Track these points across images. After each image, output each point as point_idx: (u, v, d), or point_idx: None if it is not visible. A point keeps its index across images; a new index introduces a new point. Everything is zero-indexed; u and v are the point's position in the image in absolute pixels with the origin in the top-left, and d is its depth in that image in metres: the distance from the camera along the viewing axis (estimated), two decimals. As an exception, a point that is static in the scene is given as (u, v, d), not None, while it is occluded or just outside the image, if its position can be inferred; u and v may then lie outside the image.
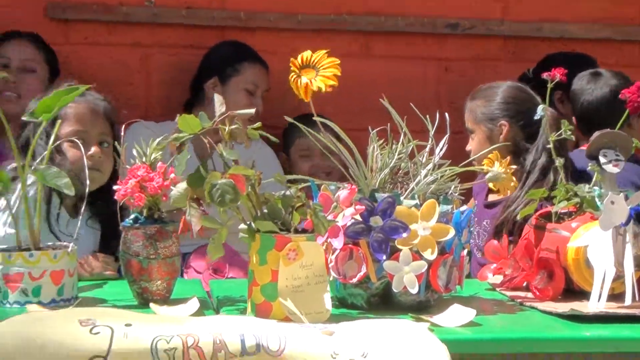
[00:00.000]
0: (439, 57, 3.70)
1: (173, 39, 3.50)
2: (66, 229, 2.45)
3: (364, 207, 1.79)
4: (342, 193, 1.78)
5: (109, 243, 2.44)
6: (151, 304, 1.83)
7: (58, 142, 2.26)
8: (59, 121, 2.03)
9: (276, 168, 3.34)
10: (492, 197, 2.97)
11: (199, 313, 1.79)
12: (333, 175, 3.22)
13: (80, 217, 2.09)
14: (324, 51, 1.89)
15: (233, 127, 1.73)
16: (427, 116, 2.02)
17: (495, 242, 2.22)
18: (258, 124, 1.77)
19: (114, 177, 1.99)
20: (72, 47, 3.36)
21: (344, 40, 3.59)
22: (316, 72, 1.86)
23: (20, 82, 3.16)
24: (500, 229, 2.81)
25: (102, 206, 2.41)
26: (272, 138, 1.84)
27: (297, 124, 1.97)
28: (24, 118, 1.92)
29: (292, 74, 1.87)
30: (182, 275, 2.96)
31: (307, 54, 1.89)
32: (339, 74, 1.86)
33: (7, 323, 1.59)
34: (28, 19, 3.37)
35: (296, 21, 3.56)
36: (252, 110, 1.79)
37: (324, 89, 1.84)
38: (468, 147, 2.97)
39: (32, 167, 1.83)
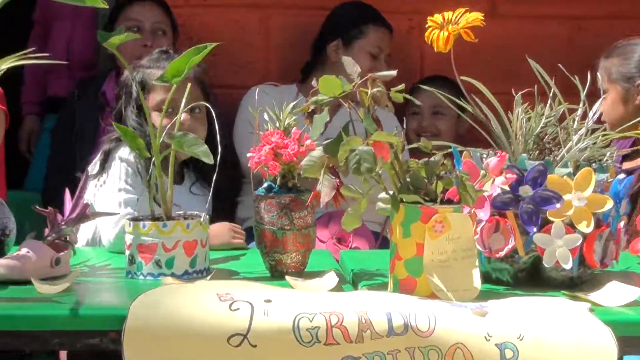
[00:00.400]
0: (570, 15, 3.49)
1: (293, 0, 3.40)
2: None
3: (515, 176, 1.67)
4: (492, 160, 1.66)
5: (220, 209, 2.37)
6: (287, 277, 1.75)
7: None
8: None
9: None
10: (626, 165, 2.79)
11: (337, 288, 1.70)
12: (440, 137, 3.10)
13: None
14: (464, 9, 1.76)
15: (375, 90, 1.63)
16: (576, 76, 1.87)
17: (648, 214, 2.06)
18: (402, 86, 1.66)
19: (212, 140, 1.87)
20: (191, 9, 3.29)
21: (469, 0, 3.41)
22: (457, 27, 1.76)
23: (154, 46, 3.10)
24: (636, 197, 2.63)
25: (207, 170, 2.31)
26: (416, 101, 1.73)
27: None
28: (154, 82, 1.86)
29: (431, 28, 1.76)
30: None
31: (448, 13, 1.77)
32: (482, 24, 1.75)
33: (143, 299, 1.54)
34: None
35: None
36: (394, 72, 1.68)
37: (467, 38, 1.75)
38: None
39: (167, 134, 1.77)
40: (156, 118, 2.32)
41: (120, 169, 2.25)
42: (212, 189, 1.87)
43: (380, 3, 3.34)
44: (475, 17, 1.77)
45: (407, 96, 1.69)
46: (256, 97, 2.93)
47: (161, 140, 1.80)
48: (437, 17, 1.78)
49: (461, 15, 1.77)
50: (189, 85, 1.89)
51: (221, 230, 2.24)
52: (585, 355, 1.45)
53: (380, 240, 3.01)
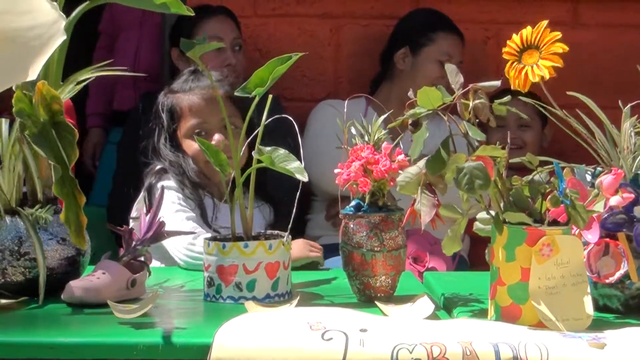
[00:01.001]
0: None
1: (364, 9, 3.29)
2: (214, 217, 2.27)
3: (633, 195, 1.53)
4: (606, 178, 1.53)
5: (280, 223, 2.25)
6: (377, 302, 1.63)
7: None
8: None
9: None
10: None
11: (432, 315, 1.58)
12: (525, 150, 2.95)
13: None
14: (545, 22, 1.60)
15: (478, 101, 1.51)
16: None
17: None
18: (508, 98, 1.53)
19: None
20: (259, 19, 3.21)
21: (550, 8, 3.27)
22: (539, 54, 1.59)
23: (237, 62, 3.02)
24: None
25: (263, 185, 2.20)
26: (524, 115, 1.60)
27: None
28: (236, 93, 1.76)
29: (510, 58, 1.60)
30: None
31: (526, 32, 1.60)
32: (563, 50, 1.57)
33: (231, 325, 1.43)
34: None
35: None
36: (498, 83, 1.56)
37: (547, 77, 1.56)
38: None
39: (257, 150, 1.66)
40: (189, 146, 2.25)
41: (170, 195, 2.17)
42: (295, 206, 1.75)
43: (455, 12, 3.22)
44: (554, 37, 1.57)
45: (512, 109, 1.57)
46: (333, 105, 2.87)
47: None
48: (513, 43, 1.60)
49: (542, 34, 1.59)
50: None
51: (298, 244, 2.13)
52: None
53: (457, 261, 2.88)
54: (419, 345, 1.37)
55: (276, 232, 1.78)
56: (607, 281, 1.60)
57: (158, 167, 2.29)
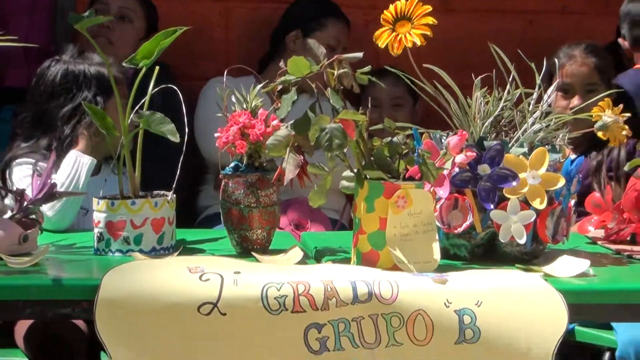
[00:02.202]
0: (522, 9, 3.60)
1: (255, -6, 3.46)
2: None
3: (474, 154, 1.74)
4: (452, 139, 1.74)
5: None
6: (253, 253, 1.81)
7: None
8: None
9: None
10: None
11: (302, 263, 1.76)
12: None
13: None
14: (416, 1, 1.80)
15: (341, 70, 1.69)
16: (533, 64, 1.96)
17: (596, 194, 2.15)
18: (368, 67, 1.72)
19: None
20: (155, 1, 3.32)
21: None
22: (411, 25, 1.79)
23: (115, 29, 3.13)
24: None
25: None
26: (381, 84, 1.79)
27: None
28: (124, 64, 1.90)
29: (385, 26, 1.80)
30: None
31: (401, 4, 1.80)
32: (433, 23, 1.77)
33: (116, 271, 1.58)
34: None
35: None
36: (360, 54, 1.75)
37: (419, 43, 1.76)
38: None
39: (136, 114, 1.81)
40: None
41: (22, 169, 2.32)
42: (179, 168, 1.90)
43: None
44: (425, 11, 1.77)
45: (372, 78, 1.76)
46: (224, 82, 3.01)
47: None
48: (389, 12, 1.80)
49: (414, 8, 1.78)
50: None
51: None
52: (539, 320, 1.53)
53: (338, 228, 3.08)
54: (286, 283, 1.55)
55: (162, 192, 1.93)
56: (455, 232, 1.81)
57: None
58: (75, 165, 2.33)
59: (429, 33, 1.77)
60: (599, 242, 2.05)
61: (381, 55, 3.43)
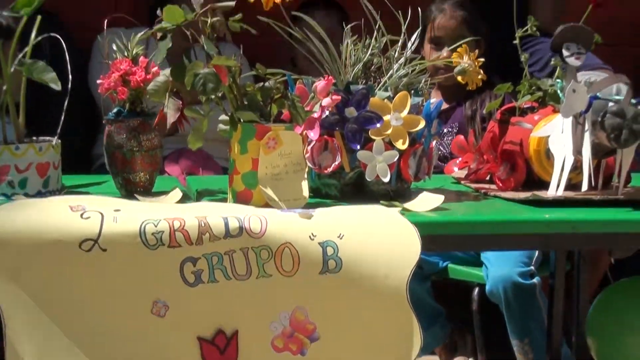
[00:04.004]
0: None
1: None
2: None
3: (339, 97, 1.87)
4: (319, 83, 1.86)
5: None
6: (135, 194, 1.91)
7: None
8: None
9: (244, 64, 3.36)
10: None
11: (181, 202, 1.87)
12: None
13: None
14: None
15: (215, 19, 1.79)
16: (400, 11, 2.09)
17: (462, 137, 2.32)
18: (239, 16, 1.82)
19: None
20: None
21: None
22: None
23: None
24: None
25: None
26: (253, 30, 1.90)
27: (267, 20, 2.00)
28: (4, 13, 1.96)
29: None
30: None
31: None
32: None
33: (2, 208, 1.66)
34: None
35: None
36: (232, 3, 1.85)
37: None
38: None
39: (17, 61, 1.87)
40: None
41: None
42: (62, 114, 1.97)
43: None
44: None
45: (245, 25, 1.86)
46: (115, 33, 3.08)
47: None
48: None
49: None
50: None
51: None
52: (395, 250, 1.68)
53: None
54: (162, 220, 1.66)
55: (47, 137, 2.00)
56: (326, 172, 1.94)
57: None
58: None
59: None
60: (462, 182, 2.21)
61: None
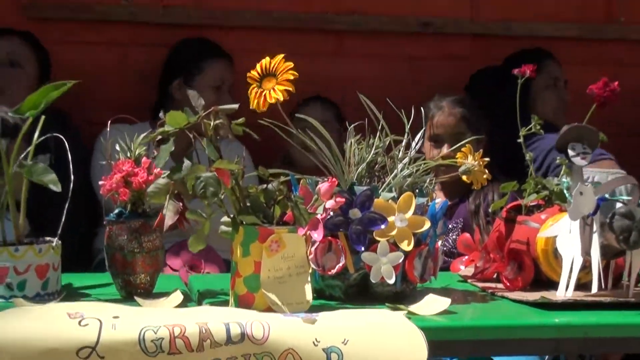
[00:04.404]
0: (410, 55, 3.78)
1: (149, 38, 3.53)
2: None
3: (343, 199, 1.85)
4: (323, 186, 1.84)
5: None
6: (135, 297, 1.87)
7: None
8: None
9: (249, 164, 3.37)
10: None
11: (182, 305, 1.84)
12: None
13: None
14: (281, 56, 1.89)
15: (217, 121, 1.78)
16: (402, 111, 2.09)
17: (467, 235, 2.29)
18: (242, 119, 1.82)
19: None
20: (48, 47, 3.36)
21: (318, 39, 3.65)
22: (275, 81, 1.86)
23: (5, 75, 3.16)
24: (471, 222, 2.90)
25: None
26: (255, 135, 1.89)
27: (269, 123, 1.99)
28: (10, 114, 1.95)
29: (252, 83, 1.87)
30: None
31: (265, 61, 1.88)
32: (293, 77, 1.83)
33: (-2, 315, 1.63)
34: (4, 18, 3.38)
35: (271, 19, 3.62)
36: (236, 106, 1.84)
37: (282, 99, 1.84)
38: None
39: (18, 163, 1.86)
40: None
41: None
42: (63, 215, 1.95)
43: (236, 41, 3.52)
44: (287, 67, 1.84)
45: (247, 130, 1.85)
46: (118, 129, 3.09)
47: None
48: (255, 71, 1.87)
49: (277, 64, 1.85)
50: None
51: None
52: (400, 354, 1.63)
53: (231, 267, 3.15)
54: (162, 327, 1.62)
55: (47, 238, 1.98)
56: (330, 273, 1.91)
57: None
58: None
59: (291, 89, 1.85)
60: (468, 280, 2.18)
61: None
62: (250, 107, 1.87)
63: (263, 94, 1.86)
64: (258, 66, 1.89)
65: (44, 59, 3.32)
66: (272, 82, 1.87)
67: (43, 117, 2.02)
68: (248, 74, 1.90)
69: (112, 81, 3.53)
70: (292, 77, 1.86)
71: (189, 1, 3.57)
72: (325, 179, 1.92)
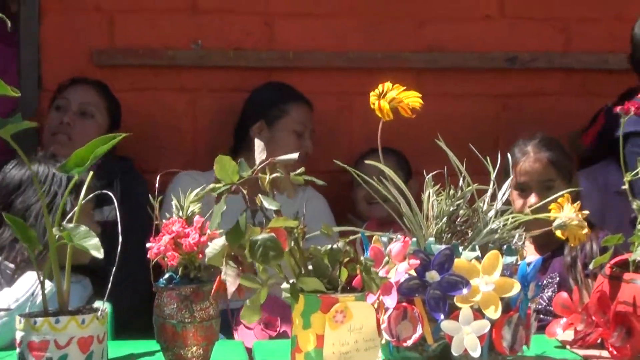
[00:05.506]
0: (496, 93, 3.52)
1: (220, 82, 3.38)
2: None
3: (418, 261, 1.62)
4: (395, 246, 1.62)
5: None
6: (188, 373, 1.67)
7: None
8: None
9: (327, 217, 3.15)
10: None
11: (239, 382, 1.63)
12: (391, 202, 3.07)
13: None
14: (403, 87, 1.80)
15: (274, 175, 1.58)
16: (487, 157, 1.85)
17: (564, 294, 2.01)
18: (301, 169, 1.61)
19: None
20: (118, 94, 3.24)
21: (395, 78, 3.41)
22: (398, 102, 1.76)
23: (76, 125, 3.06)
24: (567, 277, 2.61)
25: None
26: (319, 182, 1.68)
27: (349, 169, 1.81)
28: (54, 171, 1.79)
29: (373, 99, 1.77)
30: (232, 333, 2.80)
31: (387, 84, 1.79)
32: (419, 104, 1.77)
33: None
34: (75, 67, 3.29)
35: (346, 59, 3.42)
36: (295, 156, 1.63)
37: (418, 106, 1.76)
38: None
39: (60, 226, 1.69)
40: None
41: None
42: (111, 278, 1.77)
43: (308, 84, 3.34)
44: (415, 96, 1.77)
45: (310, 177, 1.64)
46: (191, 175, 2.96)
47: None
48: (378, 89, 1.77)
49: (401, 92, 1.77)
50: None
51: None
52: None
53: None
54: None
55: (95, 306, 1.80)
56: (405, 344, 1.68)
57: None
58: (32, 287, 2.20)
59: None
60: (568, 347, 1.91)
61: (354, 141, 3.40)
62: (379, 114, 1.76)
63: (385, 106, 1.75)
64: (380, 87, 1.78)
65: (114, 108, 3.21)
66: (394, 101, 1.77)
67: (91, 173, 1.85)
68: (372, 92, 1.78)
69: (182, 127, 3.38)
70: (417, 104, 1.76)
71: (259, 43, 3.40)
72: (399, 237, 1.70)
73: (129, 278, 2.29)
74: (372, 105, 1.76)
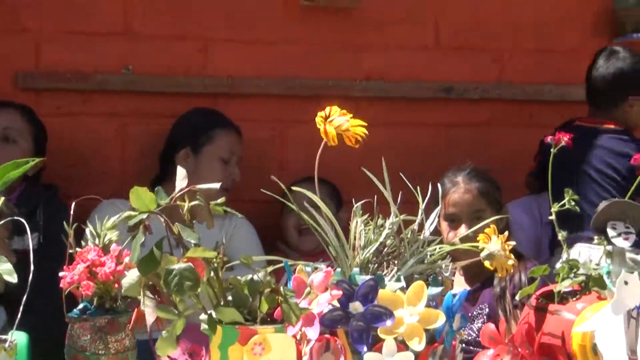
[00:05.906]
0: (432, 122, 3.52)
1: (151, 108, 3.31)
2: None
3: (341, 291, 1.58)
4: (317, 277, 1.57)
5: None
6: (101, 409, 1.60)
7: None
8: None
9: (255, 246, 3.09)
10: None
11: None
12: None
13: None
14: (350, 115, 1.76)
15: (193, 203, 1.52)
16: (418, 187, 1.82)
17: (492, 325, 1.98)
18: (222, 199, 1.56)
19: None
20: (44, 118, 3.13)
21: (331, 106, 3.39)
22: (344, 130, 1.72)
23: (1, 153, 2.96)
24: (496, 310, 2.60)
25: None
26: (238, 214, 1.62)
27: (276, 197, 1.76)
28: (-30, 193, 1.71)
29: (319, 121, 1.73)
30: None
31: (334, 108, 1.75)
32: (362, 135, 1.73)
33: None
34: (-3, 90, 3.19)
35: (281, 86, 3.38)
36: (217, 185, 1.59)
37: (362, 134, 1.72)
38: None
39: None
40: None
41: None
42: (22, 304, 1.69)
43: (244, 110, 3.29)
44: (360, 125, 1.73)
45: (228, 209, 1.59)
46: (115, 204, 2.87)
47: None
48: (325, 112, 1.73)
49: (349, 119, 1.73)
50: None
51: None
52: None
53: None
54: None
55: (4, 337, 1.71)
56: (328, 377, 1.63)
57: None
58: None
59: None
60: (495, 380, 1.87)
61: (286, 170, 3.35)
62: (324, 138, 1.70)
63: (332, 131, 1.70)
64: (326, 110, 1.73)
65: (39, 133, 3.11)
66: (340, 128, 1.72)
67: (2, 198, 1.77)
68: (319, 114, 1.73)
69: (110, 154, 3.29)
70: (361, 133, 1.72)
71: (192, 69, 3.34)
72: (323, 266, 1.66)
73: (47, 307, 2.21)
74: (318, 126, 1.72)
